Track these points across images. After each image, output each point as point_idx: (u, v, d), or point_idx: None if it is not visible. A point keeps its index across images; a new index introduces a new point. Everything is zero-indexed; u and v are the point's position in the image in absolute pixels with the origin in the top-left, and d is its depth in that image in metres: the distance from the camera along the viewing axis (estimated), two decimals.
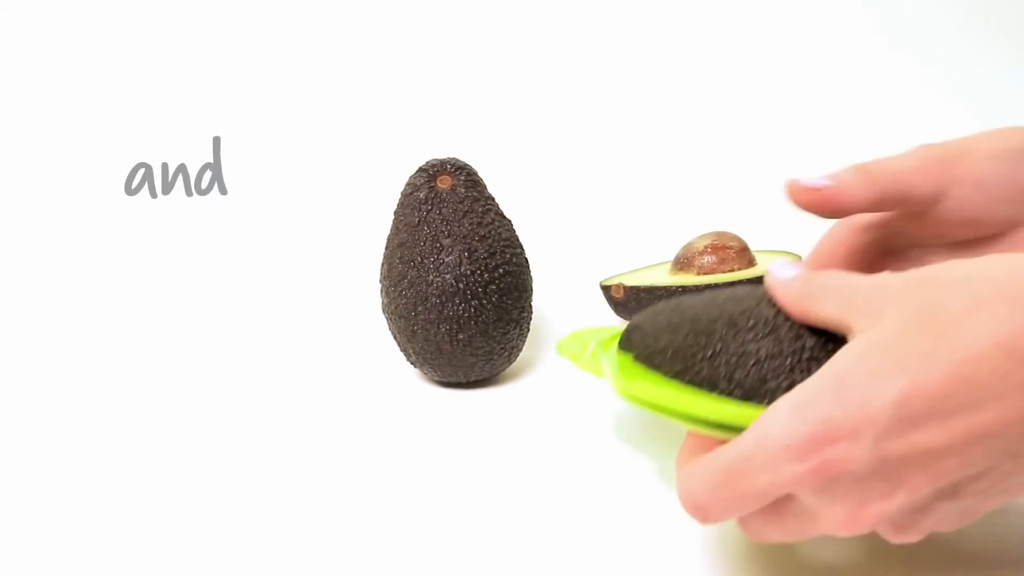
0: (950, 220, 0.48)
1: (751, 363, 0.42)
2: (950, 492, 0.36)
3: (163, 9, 0.95)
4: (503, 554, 0.46)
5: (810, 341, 0.41)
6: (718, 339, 0.42)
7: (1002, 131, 0.48)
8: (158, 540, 0.47)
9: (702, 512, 0.38)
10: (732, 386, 0.42)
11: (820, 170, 0.48)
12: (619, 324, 0.56)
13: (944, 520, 0.37)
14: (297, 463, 0.54)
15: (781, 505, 0.37)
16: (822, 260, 0.52)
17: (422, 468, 0.53)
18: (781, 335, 0.42)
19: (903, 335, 0.35)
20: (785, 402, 0.36)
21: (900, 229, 0.50)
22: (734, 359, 0.42)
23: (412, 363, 0.61)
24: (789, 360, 0.41)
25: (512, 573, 0.44)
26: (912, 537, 0.37)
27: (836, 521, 0.36)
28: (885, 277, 0.38)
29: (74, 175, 0.89)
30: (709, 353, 0.42)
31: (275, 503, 0.50)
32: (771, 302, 0.43)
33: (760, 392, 0.41)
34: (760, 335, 0.42)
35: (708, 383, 0.42)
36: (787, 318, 0.43)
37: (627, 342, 0.48)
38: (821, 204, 0.47)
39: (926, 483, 0.35)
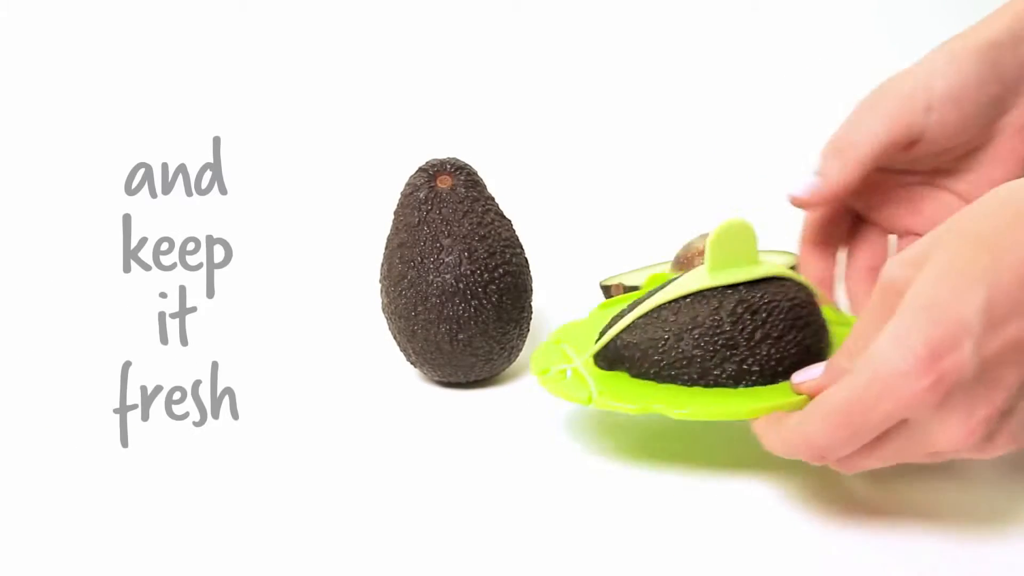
0: (934, 147, 0.54)
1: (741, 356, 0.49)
2: None
3: (163, 9, 0.95)
4: (503, 554, 0.46)
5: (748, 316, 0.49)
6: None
7: (949, 48, 0.54)
8: (155, 540, 0.47)
9: (820, 454, 0.42)
10: (754, 376, 0.48)
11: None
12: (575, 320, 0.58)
13: (1020, 427, 0.41)
14: (296, 463, 0.54)
15: (891, 431, 0.41)
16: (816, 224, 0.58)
17: (422, 468, 0.53)
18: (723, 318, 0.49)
19: (963, 259, 0.40)
20: (884, 337, 0.40)
21: (889, 164, 0.55)
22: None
23: (412, 363, 0.61)
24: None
25: (512, 573, 0.44)
26: (998, 446, 0.41)
27: (952, 433, 0.40)
28: (919, 242, 0.42)
29: (74, 175, 0.89)
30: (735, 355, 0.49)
31: (274, 503, 0.50)
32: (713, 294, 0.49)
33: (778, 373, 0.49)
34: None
35: (734, 380, 0.49)
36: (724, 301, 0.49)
37: (618, 360, 0.52)
38: (822, 201, 0.55)
39: (1017, 377, 0.40)
